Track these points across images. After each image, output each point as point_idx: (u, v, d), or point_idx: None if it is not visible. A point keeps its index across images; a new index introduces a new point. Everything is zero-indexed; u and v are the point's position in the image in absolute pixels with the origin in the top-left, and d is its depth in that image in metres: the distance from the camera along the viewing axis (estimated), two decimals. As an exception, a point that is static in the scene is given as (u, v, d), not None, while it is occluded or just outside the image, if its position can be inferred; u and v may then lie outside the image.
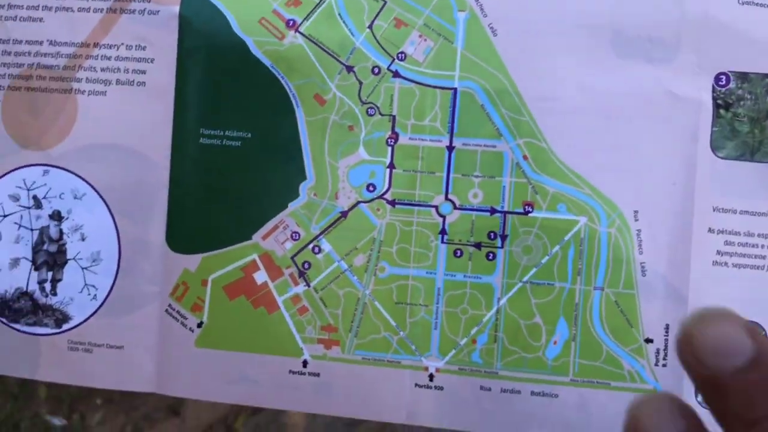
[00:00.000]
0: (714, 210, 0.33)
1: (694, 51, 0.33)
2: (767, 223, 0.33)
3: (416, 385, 0.33)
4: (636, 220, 0.33)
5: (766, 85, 0.33)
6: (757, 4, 0.33)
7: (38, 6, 0.35)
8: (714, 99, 0.33)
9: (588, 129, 0.33)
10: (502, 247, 0.33)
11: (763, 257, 0.33)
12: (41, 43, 0.34)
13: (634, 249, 0.33)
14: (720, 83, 0.33)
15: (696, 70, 0.33)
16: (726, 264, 0.33)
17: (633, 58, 0.33)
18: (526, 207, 0.33)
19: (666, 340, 0.33)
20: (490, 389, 0.33)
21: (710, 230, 0.33)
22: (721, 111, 0.33)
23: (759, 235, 0.33)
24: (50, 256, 0.35)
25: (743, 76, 0.33)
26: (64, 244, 0.35)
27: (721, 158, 0.33)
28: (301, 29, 0.34)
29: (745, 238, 0.33)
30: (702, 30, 0.33)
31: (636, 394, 0.29)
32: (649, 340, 0.33)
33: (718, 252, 0.33)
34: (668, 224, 0.33)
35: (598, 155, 0.33)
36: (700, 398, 0.32)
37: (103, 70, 0.34)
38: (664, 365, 0.32)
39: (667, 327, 0.33)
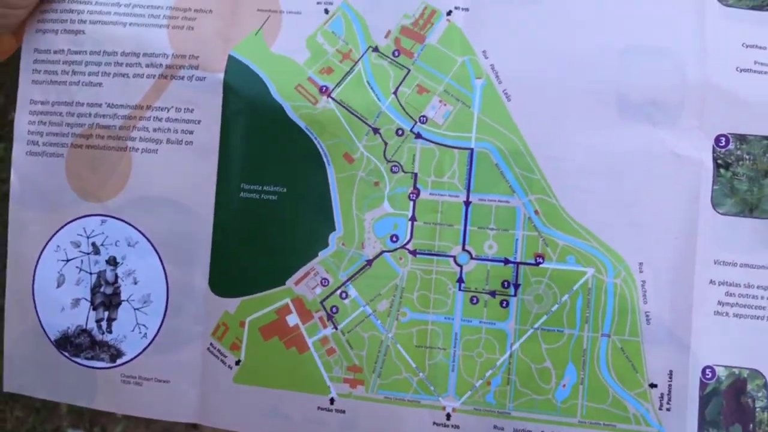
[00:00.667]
0: (715, 263, 0.35)
1: (696, 114, 0.35)
2: (766, 276, 0.35)
3: (434, 423, 0.36)
4: (641, 271, 0.35)
5: (763, 146, 0.35)
6: (753, 71, 0.35)
7: (98, 72, 0.39)
8: (714, 159, 0.35)
9: (595, 186, 0.35)
10: (515, 295, 0.35)
11: (763, 308, 0.35)
12: (100, 105, 0.38)
13: (639, 299, 0.35)
14: (720, 144, 0.35)
15: (697, 132, 0.35)
16: (727, 314, 0.35)
17: (637, 121, 0.35)
18: (537, 258, 0.35)
19: (670, 385, 0.35)
20: (503, 429, 0.35)
21: (711, 282, 0.35)
22: (722, 170, 0.35)
23: (758, 287, 0.35)
24: (106, 298, 0.39)
25: (742, 138, 0.35)
26: (118, 287, 0.38)
27: (722, 214, 0.35)
28: (333, 95, 0.37)
29: (745, 290, 0.35)
30: (703, 95, 0.35)
31: None
32: (653, 385, 0.35)
33: (719, 302, 0.35)
34: (671, 276, 0.35)
35: (604, 211, 0.35)
36: (702, 441, 0.34)
37: (155, 130, 0.38)
38: (668, 409, 0.34)
39: (670, 373, 0.35)
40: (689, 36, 0.36)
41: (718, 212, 0.35)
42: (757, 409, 0.35)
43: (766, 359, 0.35)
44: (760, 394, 0.35)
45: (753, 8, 0.37)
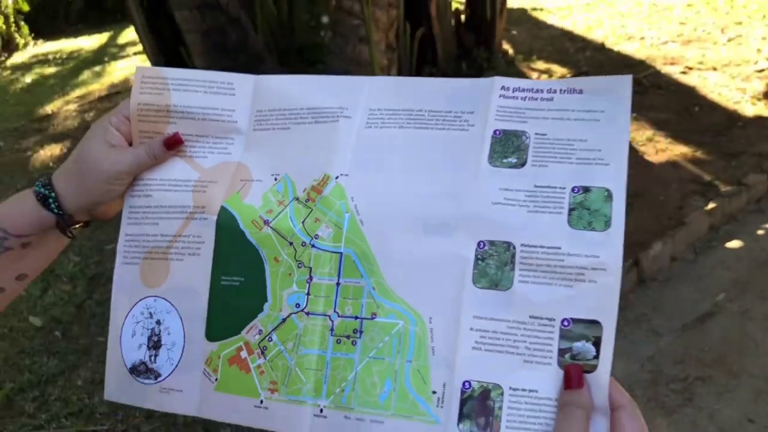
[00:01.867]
0: (474, 317, 0.59)
1: (466, 230, 0.61)
2: (505, 326, 0.58)
3: (314, 415, 0.62)
4: (430, 323, 0.60)
5: (504, 247, 0.59)
6: (502, 203, 0.60)
7: (156, 218, 0.72)
8: (476, 255, 0.60)
9: (408, 274, 0.61)
10: (360, 337, 0.62)
11: (503, 345, 0.58)
12: (157, 235, 0.71)
13: (428, 339, 0.60)
14: (480, 247, 0.60)
15: (466, 239, 0.60)
16: (480, 349, 0.58)
17: (433, 235, 0.62)
18: (373, 315, 0.62)
19: (443, 392, 0.58)
20: (349, 417, 0.60)
21: (471, 329, 0.59)
22: (479, 262, 0.60)
23: (501, 333, 0.58)
24: (154, 343, 0.70)
25: (492, 243, 0.60)
26: (160, 337, 0.70)
27: (479, 288, 0.59)
28: (271, 225, 0.67)
29: (492, 334, 0.58)
30: (471, 218, 0.61)
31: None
32: (434, 392, 0.58)
33: (476, 341, 0.59)
34: (447, 325, 0.59)
35: (411, 287, 0.61)
36: (460, 427, 0.57)
37: (181, 248, 0.70)
38: (441, 407, 0.58)
39: (444, 384, 0.58)
40: (468, 185, 0.62)
41: (477, 287, 0.60)
42: (495, 408, 0.57)
43: (504, 378, 0.58)
44: (498, 399, 0.57)
45: (511, 167, 0.62)
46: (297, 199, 0.68)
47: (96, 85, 6.31)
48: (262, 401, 0.64)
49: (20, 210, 0.70)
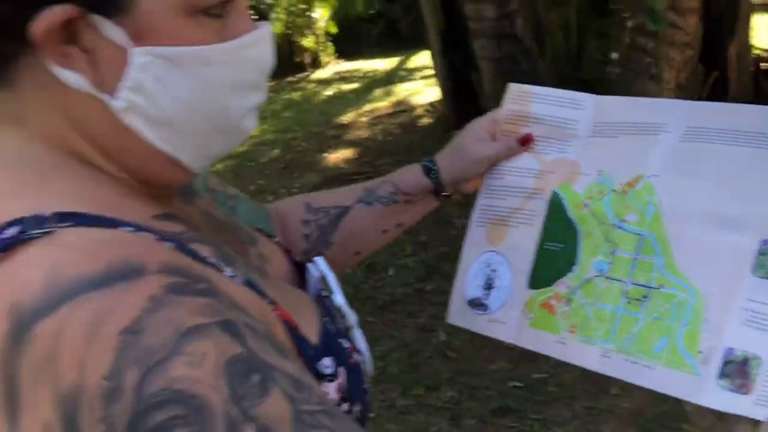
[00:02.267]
0: (747, 300, 0.77)
1: (754, 228, 0.79)
2: None
3: (601, 356, 0.84)
4: (707, 298, 0.79)
5: (781, 247, 0.77)
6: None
7: (506, 193, 0.99)
8: (759, 249, 0.78)
9: (695, 257, 0.81)
10: (646, 302, 0.83)
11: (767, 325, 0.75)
12: (502, 207, 0.99)
13: (703, 311, 0.79)
14: (764, 244, 0.78)
15: (753, 237, 0.79)
16: (749, 325, 0.76)
17: (724, 229, 0.81)
18: (660, 286, 0.83)
19: (710, 354, 0.77)
20: (628, 360, 0.82)
21: (743, 308, 0.77)
22: (761, 255, 0.78)
23: None
24: (488, 285, 0.97)
25: (771, 243, 0.78)
26: (492, 280, 0.97)
27: (758, 277, 0.78)
28: (589, 208, 0.91)
29: (762, 316, 0.76)
30: (761, 219, 0.79)
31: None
32: (700, 352, 0.78)
33: (746, 319, 0.77)
34: (721, 302, 0.78)
35: (696, 268, 0.81)
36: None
37: (520, 218, 0.97)
38: (705, 364, 0.77)
39: (711, 348, 0.77)
40: (763, 191, 0.80)
41: (755, 276, 0.78)
42: (752, 373, 0.74)
43: (762, 349, 0.74)
44: (756, 367, 0.74)
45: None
46: (614, 190, 0.90)
47: (384, 102, 7.08)
48: (561, 338, 0.88)
49: (409, 176, 1.02)
